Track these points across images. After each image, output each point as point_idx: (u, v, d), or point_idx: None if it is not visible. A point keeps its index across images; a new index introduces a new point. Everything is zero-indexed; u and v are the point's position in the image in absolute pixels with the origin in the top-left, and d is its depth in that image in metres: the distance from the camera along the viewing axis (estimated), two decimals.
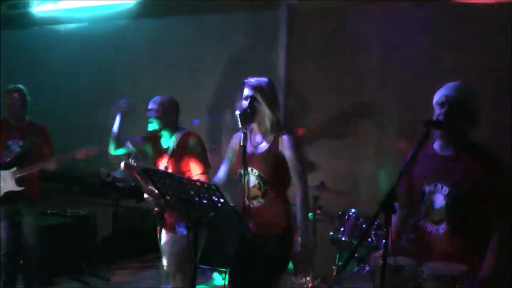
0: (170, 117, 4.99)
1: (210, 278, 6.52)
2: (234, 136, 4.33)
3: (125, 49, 8.17)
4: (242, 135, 3.88)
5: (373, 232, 4.93)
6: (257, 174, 4.01)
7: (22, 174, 5.81)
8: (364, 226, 5.18)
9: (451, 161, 3.52)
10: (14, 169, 5.79)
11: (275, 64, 6.76)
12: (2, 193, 5.79)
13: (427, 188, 3.58)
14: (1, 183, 5.79)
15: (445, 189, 3.50)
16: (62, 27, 8.85)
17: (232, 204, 3.44)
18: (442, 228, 3.53)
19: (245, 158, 3.88)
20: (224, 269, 5.89)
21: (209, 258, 6.16)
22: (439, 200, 3.53)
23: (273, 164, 4.01)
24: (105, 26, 8.37)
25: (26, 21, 9.11)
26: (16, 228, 5.93)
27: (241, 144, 3.86)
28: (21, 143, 5.90)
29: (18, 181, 5.82)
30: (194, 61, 7.58)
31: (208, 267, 6.42)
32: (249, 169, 4.00)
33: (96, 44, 8.44)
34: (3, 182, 5.79)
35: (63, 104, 8.57)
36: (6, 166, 5.81)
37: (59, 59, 8.81)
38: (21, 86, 6.05)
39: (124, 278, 6.83)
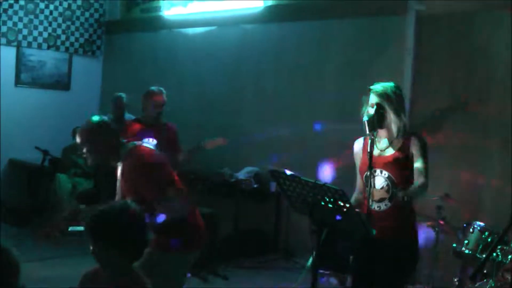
0: None
1: (327, 282, 6.51)
2: (355, 142, 4.33)
3: (251, 53, 8.31)
4: (370, 141, 3.89)
5: (498, 247, 4.82)
6: (386, 175, 4.00)
7: None
8: (489, 240, 5.08)
9: None
10: None
11: (401, 70, 6.68)
12: None
13: None
14: None
15: None
16: (190, 30, 9.11)
17: (357, 210, 3.45)
18: None
19: (371, 164, 3.89)
20: (342, 274, 5.92)
21: (326, 262, 6.15)
22: None
23: (403, 167, 4.00)
24: (233, 30, 8.56)
25: (157, 24, 9.48)
26: None
27: (369, 150, 3.88)
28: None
29: None
30: (318, 66, 7.61)
31: (325, 271, 6.40)
32: (378, 170, 4.00)
33: (223, 48, 8.63)
34: None
35: (189, 105, 8.81)
36: None
37: (186, 61, 9.07)
38: (161, 88, 6.32)
39: (242, 277, 6.94)
